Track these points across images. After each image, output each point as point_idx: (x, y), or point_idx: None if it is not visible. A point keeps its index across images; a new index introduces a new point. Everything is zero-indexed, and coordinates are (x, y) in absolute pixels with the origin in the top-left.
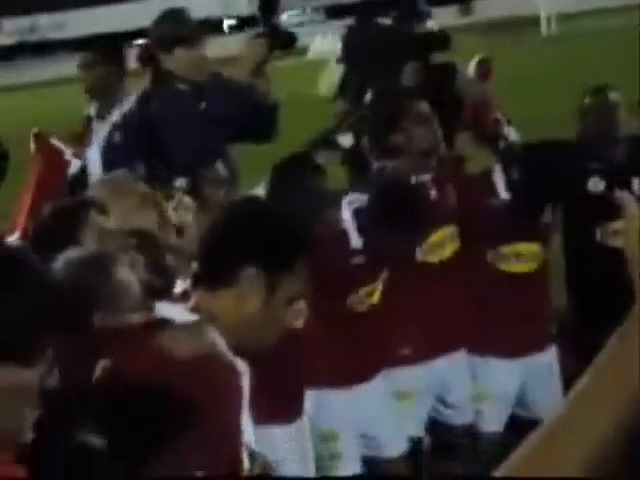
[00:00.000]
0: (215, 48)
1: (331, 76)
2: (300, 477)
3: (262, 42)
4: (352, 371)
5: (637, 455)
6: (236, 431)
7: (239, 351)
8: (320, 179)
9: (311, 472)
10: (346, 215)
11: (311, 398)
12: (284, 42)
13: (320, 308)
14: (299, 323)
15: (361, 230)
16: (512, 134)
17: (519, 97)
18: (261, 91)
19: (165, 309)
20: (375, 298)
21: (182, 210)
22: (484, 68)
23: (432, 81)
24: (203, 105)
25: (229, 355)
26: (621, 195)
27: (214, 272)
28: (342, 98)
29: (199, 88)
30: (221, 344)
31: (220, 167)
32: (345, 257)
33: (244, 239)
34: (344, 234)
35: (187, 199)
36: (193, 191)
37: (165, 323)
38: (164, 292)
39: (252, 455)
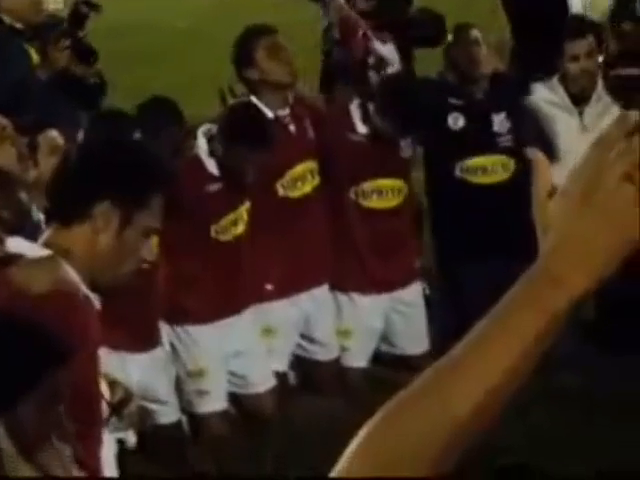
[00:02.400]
0: None
1: None
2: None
3: None
4: (221, 305)
5: None
6: (94, 363)
7: (94, 285)
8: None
9: (173, 403)
10: (201, 142)
11: (179, 334)
12: None
13: (185, 238)
14: (151, 256)
15: (213, 155)
16: (384, 51)
17: None
18: None
19: (17, 244)
20: (240, 229)
21: (47, 148)
22: None
23: None
24: None
25: (83, 289)
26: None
27: (67, 207)
28: None
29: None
30: (75, 279)
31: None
32: (202, 183)
33: (97, 173)
34: (198, 160)
35: (53, 136)
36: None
37: (17, 258)
38: (16, 227)
39: (112, 383)
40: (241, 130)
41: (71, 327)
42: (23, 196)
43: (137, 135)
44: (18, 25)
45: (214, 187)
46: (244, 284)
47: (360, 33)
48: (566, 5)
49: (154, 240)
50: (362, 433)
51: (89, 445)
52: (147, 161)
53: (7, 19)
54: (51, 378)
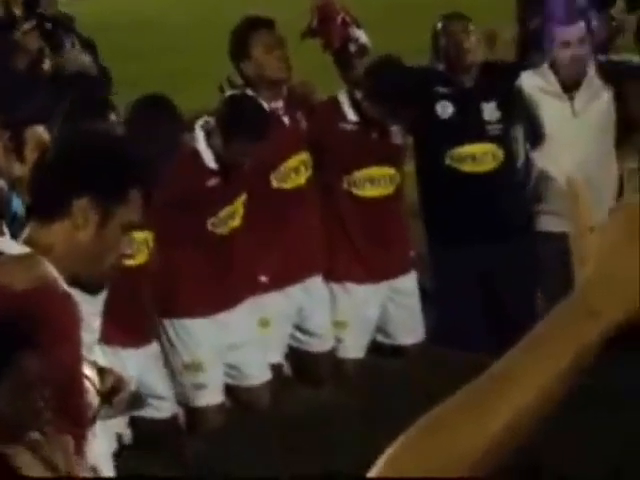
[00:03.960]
0: None
1: None
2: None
3: None
4: (217, 298)
5: None
6: (76, 360)
7: (76, 281)
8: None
9: (169, 398)
10: (199, 136)
11: (176, 327)
12: None
13: (182, 231)
14: (131, 249)
15: (211, 147)
16: (362, 37)
17: (394, 26)
18: None
19: None
20: (236, 222)
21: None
22: None
23: None
24: None
25: (63, 286)
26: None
27: (46, 203)
28: None
29: None
30: (54, 275)
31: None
32: (200, 176)
33: (74, 169)
34: (196, 153)
35: (39, 131)
36: None
37: None
38: None
39: (101, 370)
40: (239, 122)
41: (51, 323)
42: (1, 183)
43: (119, 129)
44: None
45: (212, 181)
46: (239, 277)
47: (339, 19)
48: None
49: (149, 235)
50: (396, 445)
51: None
52: (124, 156)
53: None
54: (26, 369)
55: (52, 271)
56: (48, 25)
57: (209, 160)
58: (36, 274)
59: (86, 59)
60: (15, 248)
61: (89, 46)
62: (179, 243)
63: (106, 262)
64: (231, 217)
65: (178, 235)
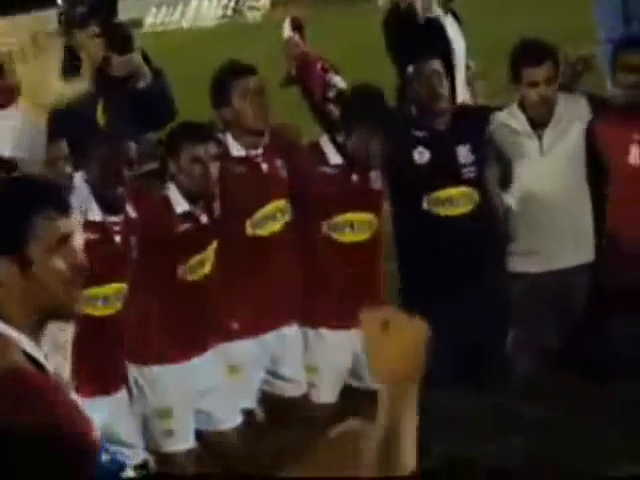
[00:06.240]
0: None
1: None
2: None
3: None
4: (187, 345)
5: None
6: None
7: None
8: None
9: (138, 445)
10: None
11: (145, 373)
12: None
13: (151, 278)
14: (82, 259)
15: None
16: (340, 82)
17: (358, 66)
18: None
19: None
20: (207, 268)
21: None
22: (295, 23)
23: None
24: None
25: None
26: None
27: None
28: None
29: None
30: (17, 349)
31: None
32: (170, 224)
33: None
34: (167, 200)
35: None
36: None
37: None
38: None
39: None
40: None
41: (26, 409)
42: None
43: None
44: None
45: (183, 227)
46: (210, 323)
47: (318, 66)
48: None
49: (123, 286)
50: None
51: None
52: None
53: None
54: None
55: (14, 347)
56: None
57: (180, 206)
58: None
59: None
60: None
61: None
62: (149, 290)
63: (61, 289)
64: (202, 264)
65: (148, 282)
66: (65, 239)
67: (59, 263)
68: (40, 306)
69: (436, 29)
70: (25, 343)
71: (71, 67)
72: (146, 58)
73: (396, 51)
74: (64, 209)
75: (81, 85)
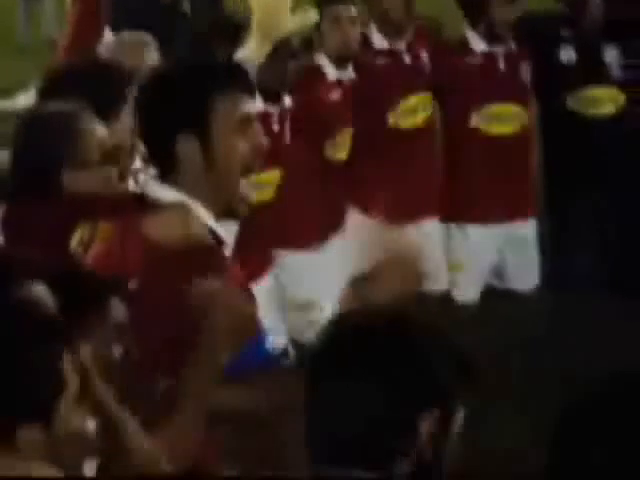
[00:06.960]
0: None
1: None
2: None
3: None
4: (329, 228)
5: None
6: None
7: (225, 210)
8: None
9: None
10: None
11: (292, 263)
12: None
13: (305, 154)
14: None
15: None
16: None
17: None
18: None
19: (154, 188)
20: (343, 154)
21: None
22: None
23: None
24: None
25: (208, 236)
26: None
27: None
28: None
29: None
30: (203, 226)
31: None
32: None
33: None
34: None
35: None
36: None
37: (151, 203)
38: None
39: None
40: None
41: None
42: None
43: None
44: None
45: (334, 96)
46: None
47: None
48: None
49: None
50: None
51: None
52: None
53: None
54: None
55: (202, 220)
56: None
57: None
58: (188, 230)
59: None
60: (168, 195)
61: None
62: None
63: (238, 172)
64: (342, 146)
65: (298, 157)
66: (247, 120)
67: (241, 143)
68: (216, 197)
69: None
70: (210, 220)
71: None
72: None
73: None
74: (249, 90)
75: None
